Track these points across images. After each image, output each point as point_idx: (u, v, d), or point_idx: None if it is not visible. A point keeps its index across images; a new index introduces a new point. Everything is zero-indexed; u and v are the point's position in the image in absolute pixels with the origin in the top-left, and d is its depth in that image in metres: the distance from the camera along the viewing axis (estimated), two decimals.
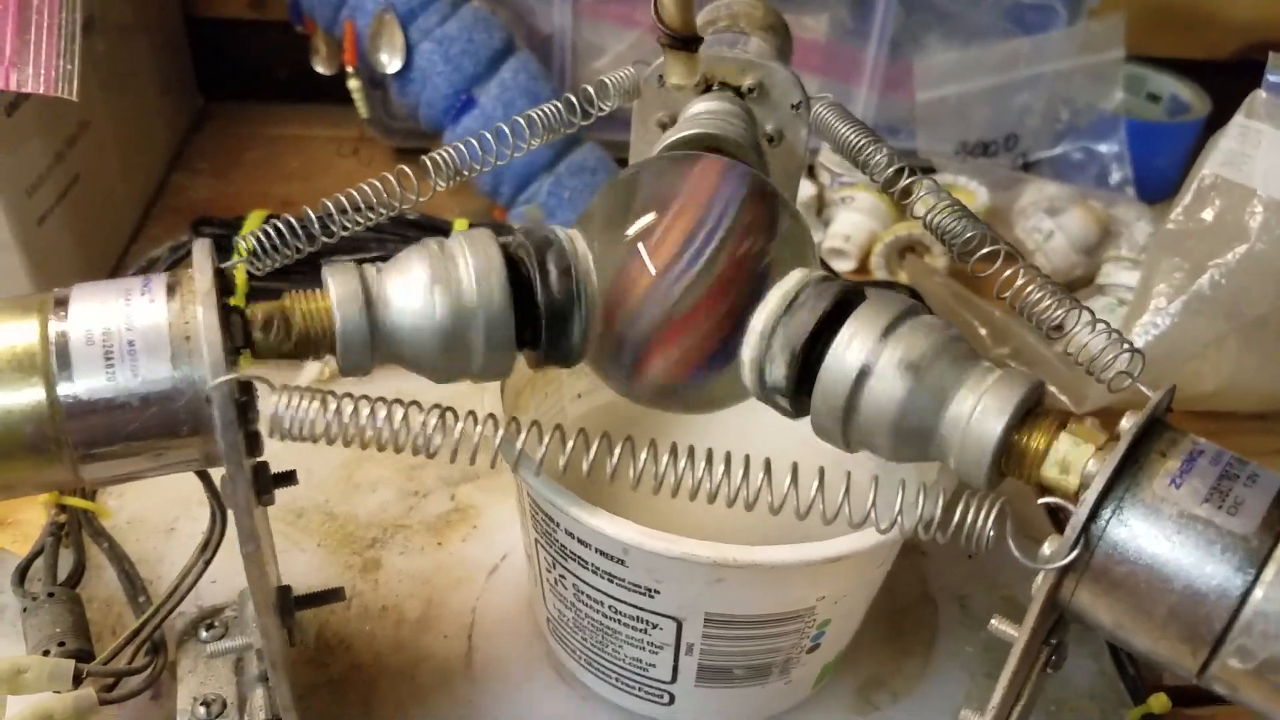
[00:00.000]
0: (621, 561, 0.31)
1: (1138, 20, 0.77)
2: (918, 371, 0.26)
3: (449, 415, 0.25)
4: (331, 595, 0.33)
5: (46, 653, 0.35)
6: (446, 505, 0.45)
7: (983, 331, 0.56)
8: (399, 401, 0.25)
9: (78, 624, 0.37)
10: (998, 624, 0.29)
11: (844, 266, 0.68)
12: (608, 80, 0.40)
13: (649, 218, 0.30)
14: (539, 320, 0.28)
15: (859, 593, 0.35)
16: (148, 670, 0.34)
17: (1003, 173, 0.77)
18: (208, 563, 0.39)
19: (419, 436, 0.25)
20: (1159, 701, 0.39)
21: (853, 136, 0.38)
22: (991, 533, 0.25)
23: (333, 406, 0.24)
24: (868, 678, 0.40)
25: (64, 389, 0.24)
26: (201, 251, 0.26)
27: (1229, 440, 0.27)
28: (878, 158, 0.37)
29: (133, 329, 0.25)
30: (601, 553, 0.31)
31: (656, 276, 0.29)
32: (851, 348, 0.26)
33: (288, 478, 0.31)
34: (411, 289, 0.27)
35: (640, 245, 0.30)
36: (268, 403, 0.25)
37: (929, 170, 0.75)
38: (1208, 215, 0.51)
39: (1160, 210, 0.79)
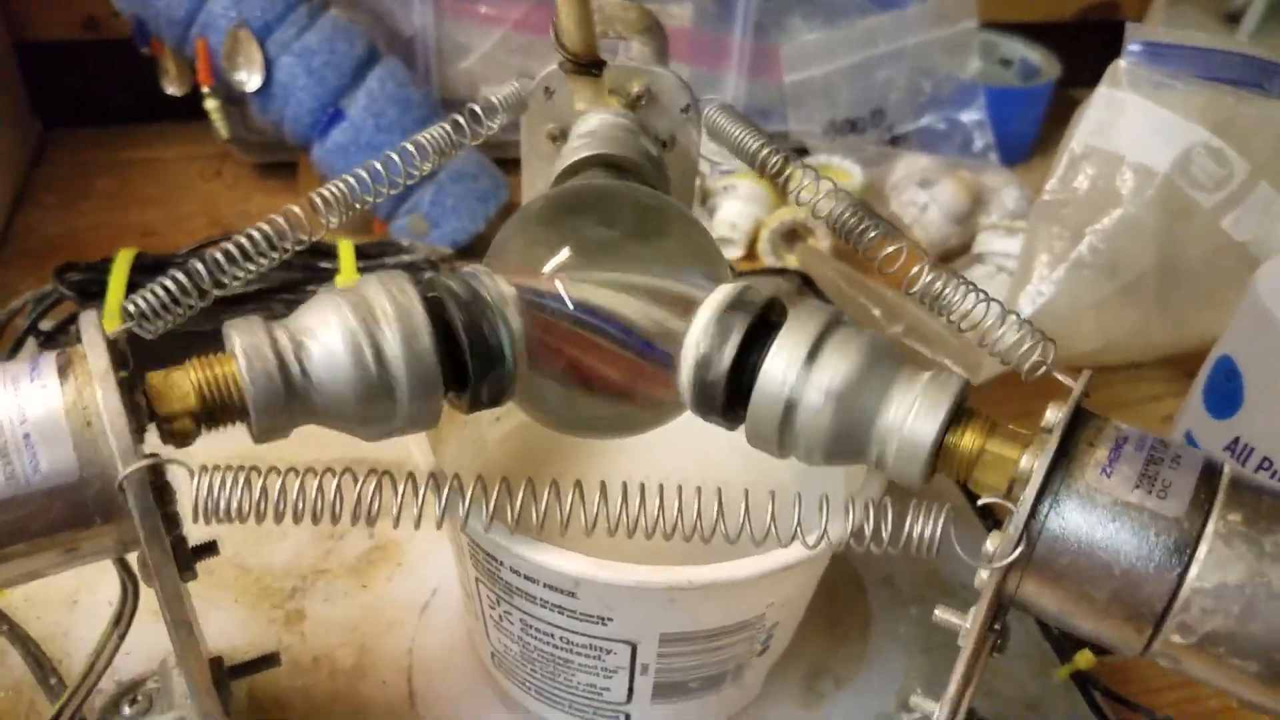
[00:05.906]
0: (572, 594, 0.31)
1: None
2: (843, 397, 0.26)
3: (385, 480, 0.24)
4: (266, 661, 0.32)
5: None
6: (366, 544, 0.43)
7: (876, 312, 0.57)
8: (330, 471, 0.24)
9: None
10: (942, 614, 0.30)
11: (732, 254, 0.68)
12: (494, 98, 0.39)
13: (565, 254, 0.29)
14: (465, 367, 0.27)
15: (803, 592, 0.35)
16: None
17: (873, 149, 0.78)
18: (122, 637, 0.36)
19: (356, 507, 0.23)
20: (1085, 658, 0.41)
21: (747, 139, 0.38)
22: (939, 536, 0.25)
23: (258, 485, 0.23)
24: (810, 667, 0.40)
25: None
26: (90, 326, 0.24)
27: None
28: (774, 159, 0.37)
29: (26, 420, 0.23)
30: (550, 587, 0.31)
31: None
32: (776, 378, 0.26)
33: (208, 548, 0.29)
34: (328, 344, 0.25)
35: (559, 282, 0.29)
36: (189, 486, 0.23)
37: (802, 151, 0.76)
38: (1081, 184, 0.53)
39: (1021, 172, 0.82)
